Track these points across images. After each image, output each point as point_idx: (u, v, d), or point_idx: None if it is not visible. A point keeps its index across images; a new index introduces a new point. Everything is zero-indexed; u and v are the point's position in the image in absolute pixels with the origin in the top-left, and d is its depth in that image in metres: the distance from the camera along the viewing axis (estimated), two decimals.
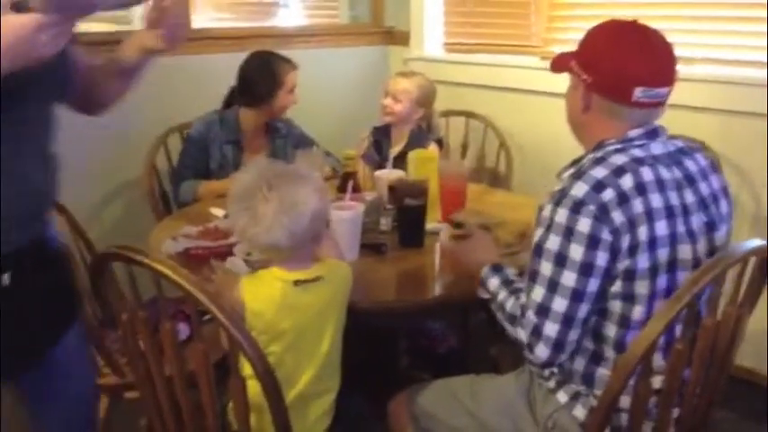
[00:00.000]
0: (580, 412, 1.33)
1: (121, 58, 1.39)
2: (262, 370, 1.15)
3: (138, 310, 1.24)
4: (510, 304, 1.34)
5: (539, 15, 2.93)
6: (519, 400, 1.43)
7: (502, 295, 1.37)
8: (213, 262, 1.63)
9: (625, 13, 2.54)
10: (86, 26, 4.10)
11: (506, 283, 1.39)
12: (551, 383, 1.38)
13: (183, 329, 1.73)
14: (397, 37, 3.42)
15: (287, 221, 1.27)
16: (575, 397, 1.34)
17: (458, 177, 2.02)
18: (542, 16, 2.92)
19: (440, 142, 2.62)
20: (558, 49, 2.83)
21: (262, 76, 2.44)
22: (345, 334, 1.42)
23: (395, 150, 2.45)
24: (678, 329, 1.21)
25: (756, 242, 1.25)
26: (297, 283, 1.32)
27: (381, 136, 2.60)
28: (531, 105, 2.92)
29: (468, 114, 3.02)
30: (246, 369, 1.22)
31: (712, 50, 2.44)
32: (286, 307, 1.31)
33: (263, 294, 1.31)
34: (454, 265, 1.61)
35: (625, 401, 1.24)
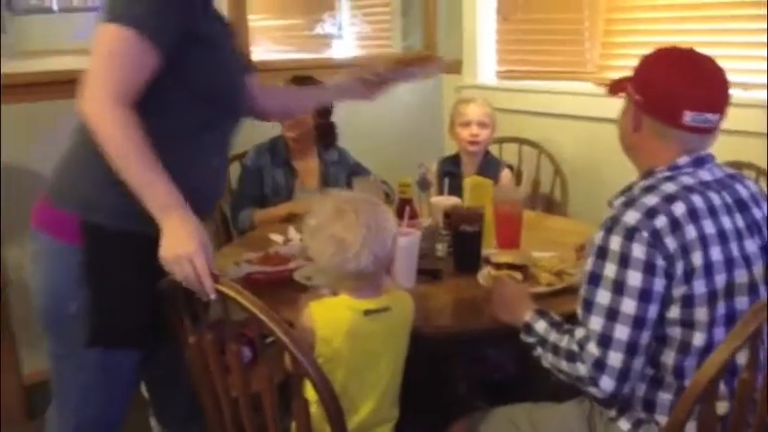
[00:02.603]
0: None
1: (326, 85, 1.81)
2: (326, 396, 1.17)
3: (207, 333, 1.27)
4: (565, 342, 1.31)
5: (593, 41, 2.93)
6: (579, 428, 1.42)
7: (554, 336, 1.35)
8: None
9: (678, 40, 2.54)
10: None
11: (555, 324, 1.37)
12: (612, 412, 1.36)
13: (246, 353, 1.77)
14: (450, 65, 3.46)
15: (374, 247, 1.29)
16: (636, 424, 1.32)
17: (513, 204, 2.02)
18: (596, 42, 2.92)
19: (511, 168, 2.64)
20: (614, 75, 2.82)
21: None
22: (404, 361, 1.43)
23: None
24: (743, 357, 1.19)
25: None
26: (367, 312, 1.33)
27: (451, 166, 2.63)
28: (585, 131, 2.91)
29: (522, 141, 3.02)
30: (310, 394, 1.24)
31: None
32: (354, 336, 1.32)
33: (332, 321, 1.32)
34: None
35: (690, 428, 1.22)
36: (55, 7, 5.03)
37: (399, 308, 1.39)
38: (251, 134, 2.70)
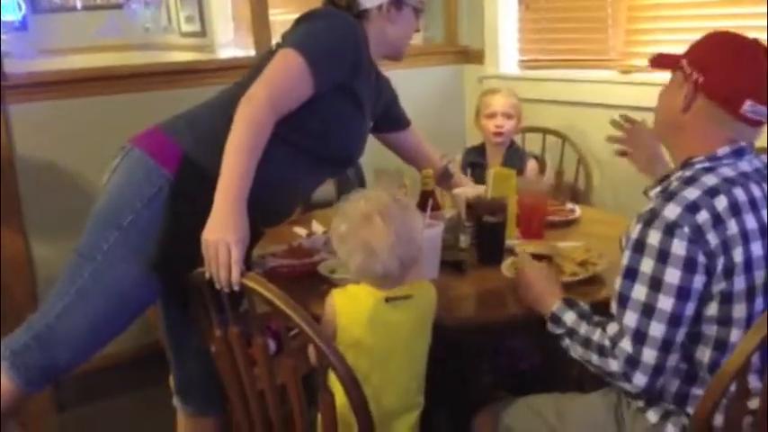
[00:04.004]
0: None
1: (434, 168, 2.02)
2: (351, 386, 1.18)
3: (233, 327, 1.29)
4: (597, 336, 1.29)
5: (616, 28, 2.89)
6: (606, 419, 1.41)
7: (584, 329, 1.33)
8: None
9: (702, 26, 2.51)
10: (169, 55, 4.32)
11: (584, 316, 1.36)
12: (640, 402, 1.35)
13: (270, 345, 1.78)
14: (472, 56, 3.44)
15: (401, 252, 1.30)
16: (665, 416, 1.31)
17: (537, 194, 2.01)
18: (620, 29, 2.88)
19: (537, 159, 2.63)
20: (638, 62, 2.80)
21: None
22: (429, 351, 1.43)
23: None
24: None
25: None
26: (388, 299, 1.34)
27: (477, 156, 2.62)
28: (609, 119, 2.87)
29: (545, 131, 3.00)
30: (335, 386, 1.24)
31: None
32: (376, 323, 1.33)
33: (355, 309, 1.33)
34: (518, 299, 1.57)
35: (719, 420, 1.21)
36: (78, 5, 5.10)
37: (421, 295, 1.39)
38: None
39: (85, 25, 4.86)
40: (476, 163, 2.52)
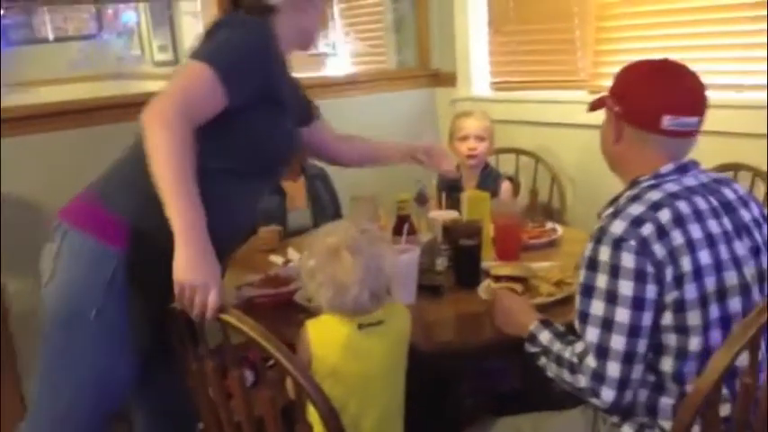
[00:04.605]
0: None
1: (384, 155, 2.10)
2: (328, 416, 1.17)
3: (208, 360, 1.28)
4: (567, 353, 1.32)
5: (585, 50, 2.94)
6: None
7: (557, 346, 1.36)
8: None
9: (668, 45, 2.56)
10: (143, 85, 4.29)
11: (559, 335, 1.38)
12: (615, 418, 1.36)
13: (248, 376, 1.76)
14: (444, 79, 3.48)
15: (371, 285, 1.31)
16: (640, 429, 1.32)
17: (512, 216, 2.03)
18: (588, 50, 2.93)
19: (511, 180, 2.65)
20: (607, 83, 2.84)
21: None
22: (407, 376, 1.43)
23: None
24: (743, 361, 1.19)
25: None
26: (361, 326, 1.34)
27: (452, 180, 2.63)
28: (580, 139, 2.91)
29: (518, 151, 3.03)
30: (313, 417, 1.24)
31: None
32: (350, 351, 1.33)
33: (329, 338, 1.33)
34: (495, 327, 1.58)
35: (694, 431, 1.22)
36: (50, 37, 5.08)
37: (394, 320, 1.39)
38: None
39: (58, 57, 4.85)
40: (451, 186, 2.53)
